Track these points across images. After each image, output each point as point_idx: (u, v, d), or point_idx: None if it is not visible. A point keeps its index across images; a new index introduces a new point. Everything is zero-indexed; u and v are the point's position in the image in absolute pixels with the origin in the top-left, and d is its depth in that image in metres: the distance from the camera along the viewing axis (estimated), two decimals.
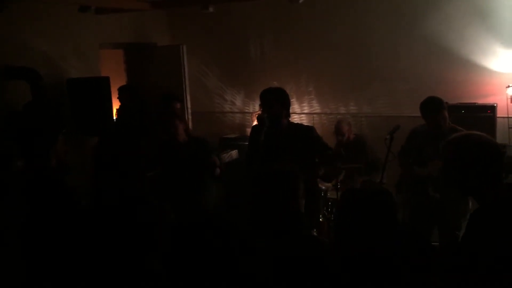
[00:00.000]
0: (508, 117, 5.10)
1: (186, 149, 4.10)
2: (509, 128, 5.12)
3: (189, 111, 6.50)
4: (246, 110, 6.89)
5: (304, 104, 6.48)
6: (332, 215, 4.84)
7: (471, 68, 5.41)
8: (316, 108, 6.42)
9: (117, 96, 5.95)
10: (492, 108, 5.06)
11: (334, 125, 5.55)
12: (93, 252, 1.88)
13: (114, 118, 5.73)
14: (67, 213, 2.13)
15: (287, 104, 3.88)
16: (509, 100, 5.16)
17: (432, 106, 3.88)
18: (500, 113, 5.14)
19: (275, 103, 3.80)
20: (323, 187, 5.33)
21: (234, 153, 6.22)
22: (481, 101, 5.29)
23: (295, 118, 6.25)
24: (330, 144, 5.15)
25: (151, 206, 1.94)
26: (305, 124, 5.19)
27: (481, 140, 1.90)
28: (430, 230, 4.01)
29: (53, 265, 2.14)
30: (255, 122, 4.03)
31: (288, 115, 3.91)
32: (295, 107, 6.45)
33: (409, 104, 5.57)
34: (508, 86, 5.17)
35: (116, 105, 6.16)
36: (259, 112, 4.27)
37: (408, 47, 5.67)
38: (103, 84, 5.36)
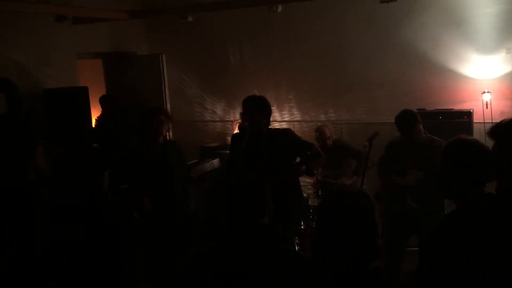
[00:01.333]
0: (484, 123, 5.19)
1: (163, 151, 4.09)
2: (485, 133, 5.20)
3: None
4: (227, 119, 6.89)
5: (284, 112, 6.51)
6: (314, 222, 4.85)
7: (447, 74, 5.51)
8: (297, 116, 6.45)
9: (100, 104, 5.90)
10: (468, 114, 5.16)
11: (315, 130, 5.54)
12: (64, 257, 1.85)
13: (93, 126, 5.66)
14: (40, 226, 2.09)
15: (268, 113, 3.90)
16: (485, 106, 5.27)
17: (406, 121, 3.92)
18: (476, 118, 5.24)
19: (256, 111, 3.81)
20: (304, 194, 5.34)
21: (215, 161, 6.19)
22: (458, 107, 5.39)
23: (275, 126, 6.25)
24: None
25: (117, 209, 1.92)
26: None
27: (475, 143, 1.97)
28: (407, 238, 4.06)
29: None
30: (236, 131, 4.03)
31: (268, 123, 3.93)
32: (275, 115, 6.47)
33: (388, 110, 5.65)
34: (484, 92, 5.27)
35: (95, 114, 6.11)
36: (240, 120, 4.27)
37: (384, 55, 5.75)
38: (81, 94, 5.31)
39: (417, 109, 5.12)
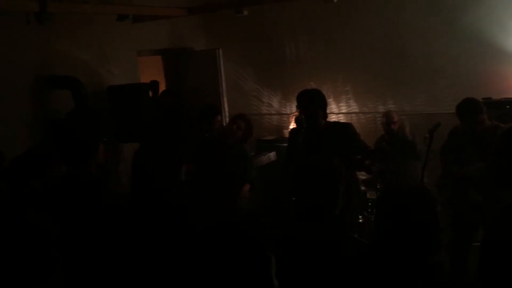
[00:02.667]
0: None
1: (227, 151, 4.18)
2: None
3: (226, 114, 6.55)
4: (283, 112, 6.89)
5: (341, 104, 6.41)
6: (373, 216, 4.78)
7: None
8: (354, 108, 6.35)
9: (161, 100, 6.04)
10: None
11: (383, 115, 5.39)
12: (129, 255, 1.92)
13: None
14: (106, 219, 2.19)
15: (323, 105, 3.87)
16: None
17: (467, 111, 3.74)
18: None
19: (312, 104, 3.79)
20: (363, 187, 5.26)
21: (272, 155, 6.22)
22: None
23: (332, 118, 6.19)
24: (373, 140, 5.08)
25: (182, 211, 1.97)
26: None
27: None
28: (473, 232, 3.89)
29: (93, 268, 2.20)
30: (293, 124, 4.03)
31: (325, 115, 3.89)
32: (332, 107, 6.40)
33: (450, 100, 5.41)
34: None
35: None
36: (297, 113, 4.27)
37: (448, 42, 5.52)
38: (142, 90, 5.47)
39: (482, 98, 4.91)
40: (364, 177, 5.26)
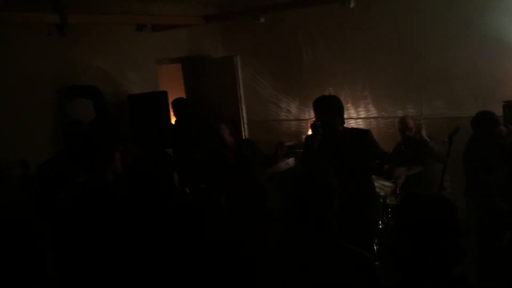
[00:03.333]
0: None
1: (238, 151, 4.24)
2: None
3: (245, 120, 6.58)
4: (302, 117, 6.88)
5: (360, 109, 6.38)
6: (392, 222, 4.72)
7: None
8: (373, 112, 6.30)
9: (172, 111, 6.07)
10: None
11: (398, 121, 5.35)
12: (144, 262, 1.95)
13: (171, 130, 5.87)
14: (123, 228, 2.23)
15: (340, 111, 3.83)
16: None
17: (482, 125, 3.69)
18: None
19: (328, 111, 3.76)
20: (382, 193, 5.22)
21: (290, 161, 6.21)
22: None
23: (351, 123, 6.16)
24: (392, 144, 5.03)
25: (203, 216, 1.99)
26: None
27: None
28: (501, 237, 3.81)
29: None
30: (310, 131, 4.03)
31: (342, 122, 3.85)
32: (351, 112, 6.37)
33: (471, 104, 5.35)
34: None
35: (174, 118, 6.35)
36: (314, 119, 4.26)
37: (467, 45, 5.44)
38: (161, 98, 5.54)
39: (504, 102, 4.84)
40: (388, 187, 5.24)
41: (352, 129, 4.17)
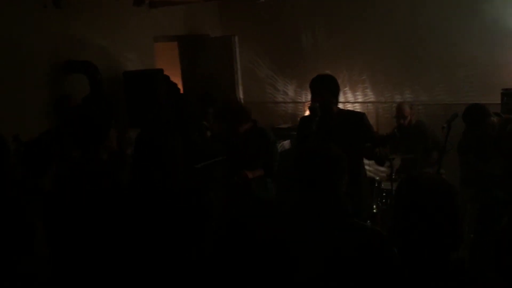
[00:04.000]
0: None
1: (246, 141, 4.14)
2: None
3: (241, 101, 6.52)
4: (299, 100, 6.84)
5: (358, 93, 6.34)
6: (387, 207, 4.74)
7: None
8: (371, 97, 6.27)
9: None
10: None
11: (395, 107, 5.34)
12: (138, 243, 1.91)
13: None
14: (111, 205, 2.19)
15: (336, 91, 3.78)
16: None
17: (472, 118, 3.69)
18: None
19: (324, 91, 3.72)
20: (377, 178, 5.22)
21: (286, 143, 6.19)
22: None
23: (348, 107, 6.13)
24: (389, 130, 5.00)
25: (203, 198, 1.96)
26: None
27: None
28: (498, 225, 3.83)
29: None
30: (307, 113, 3.97)
31: (337, 102, 3.81)
32: (348, 96, 6.33)
33: (470, 91, 5.34)
34: None
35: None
36: (310, 102, 4.20)
37: (467, 32, 5.40)
38: (157, 76, 5.47)
39: (503, 89, 4.82)
40: (383, 173, 5.25)
41: (348, 111, 4.13)
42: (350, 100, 6.33)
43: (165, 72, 5.78)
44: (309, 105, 3.83)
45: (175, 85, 5.99)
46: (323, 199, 1.94)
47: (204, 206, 2.07)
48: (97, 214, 2.21)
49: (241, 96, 6.52)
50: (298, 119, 6.52)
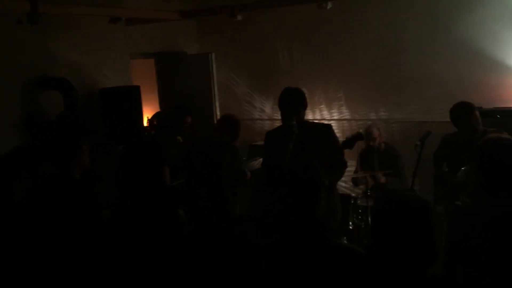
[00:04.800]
0: None
1: (219, 152, 4.15)
2: None
3: (218, 118, 6.54)
4: (275, 117, 6.87)
5: (333, 110, 6.42)
6: (363, 223, 4.77)
7: (506, 71, 5.24)
8: (346, 114, 6.35)
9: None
10: None
11: (364, 129, 5.44)
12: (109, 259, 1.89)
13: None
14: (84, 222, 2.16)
15: (305, 103, 3.80)
16: None
17: (462, 110, 3.80)
18: None
19: (300, 108, 3.73)
20: (353, 194, 5.26)
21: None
22: None
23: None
24: (364, 146, 5.08)
25: (170, 215, 1.94)
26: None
27: (507, 143, 1.90)
28: (468, 234, 3.89)
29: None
30: None
31: (304, 112, 3.80)
32: (324, 113, 6.40)
33: (441, 109, 5.42)
34: None
35: (146, 113, 6.25)
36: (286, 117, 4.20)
37: (440, 51, 5.54)
38: (134, 93, 5.45)
39: None
40: (359, 189, 5.32)
41: (314, 123, 4.17)
42: (326, 117, 6.40)
43: (142, 89, 5.77)
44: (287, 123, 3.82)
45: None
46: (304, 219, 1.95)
47: (174, 222, 2.07)
48: (69, 229, 2.17)
49: (218, 113, 6.54)
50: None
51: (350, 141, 3.67)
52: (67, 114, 4.71)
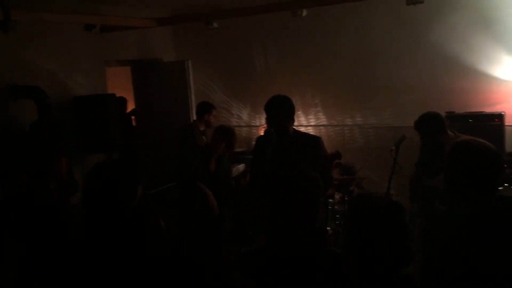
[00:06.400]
0: None
1: (217, 163, 4.17)
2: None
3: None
4: (253, 124, 6.89)
5: (310, 117, 6.47)
6: (341, 228, 4.80)
7: (478, 76, 5.38)
8: (323, 120, 6.41)
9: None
10: (500, 117, 5.01)
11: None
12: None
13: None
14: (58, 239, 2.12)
15: (293, 112, 3.76)
16: None
17: (424, 125, 3.84)
18: (508, 121, 5.09)
19: (282, 114, 3.70)
20: (331, 200, 5.29)
21: (241, 166, 6.20)
22: (489, 109, 5.25)
23: (302, 130, 6.22)
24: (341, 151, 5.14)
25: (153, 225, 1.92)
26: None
27: (480, 147, 1.93)
28: (441, 239, 3.95)
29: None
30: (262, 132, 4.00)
31: (293, 122, 3.79)
32: (301, 119, 6.44)
33: (415, 113, 5.46)
34: None
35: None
36: (266, 125, 4.22)
37: (413, 57, 5.65)
38: (108, 101, 5.38)
39: (446, 112, 5.05)
40: (336, 195, 5.36)
41: (304, 133, 4.10)
42: (303, 123, 6.44)
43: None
44: (264, 129, 3.84)
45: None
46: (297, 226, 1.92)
47: (154, 232, 2.04)
48: (43, 241, 2.13)
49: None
50: (253, 143, 6.57)
51: (328, 159, 3.72)
52: (43, 123, 4.61)
